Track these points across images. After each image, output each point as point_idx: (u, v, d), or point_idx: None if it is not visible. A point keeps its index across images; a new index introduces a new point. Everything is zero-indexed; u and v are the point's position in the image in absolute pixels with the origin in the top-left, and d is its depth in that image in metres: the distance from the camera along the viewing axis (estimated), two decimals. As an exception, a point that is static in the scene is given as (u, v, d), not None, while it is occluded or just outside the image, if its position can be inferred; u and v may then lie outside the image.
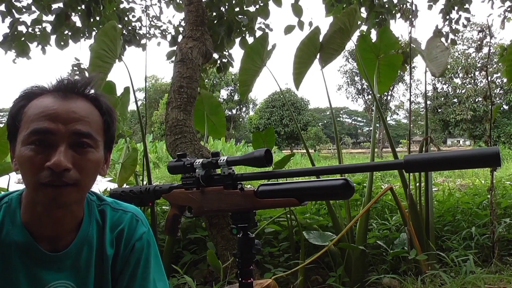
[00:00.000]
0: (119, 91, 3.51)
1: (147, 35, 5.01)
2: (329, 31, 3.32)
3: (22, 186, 0.89)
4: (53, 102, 0.79)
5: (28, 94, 0.82)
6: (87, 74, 4.31)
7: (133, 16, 4.96)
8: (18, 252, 0.81)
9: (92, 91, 0.84)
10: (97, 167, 0.83)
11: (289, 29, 4.31)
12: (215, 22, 4.16)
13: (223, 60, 4.65)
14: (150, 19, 5.17)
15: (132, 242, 0.92)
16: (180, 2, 4.74)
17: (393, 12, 4.49)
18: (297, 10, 4.35)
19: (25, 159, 0.75)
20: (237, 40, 4.45)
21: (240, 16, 4.21)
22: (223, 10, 4.27)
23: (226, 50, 4.54)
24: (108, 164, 0.89)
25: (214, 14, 4.19)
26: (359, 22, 3.52)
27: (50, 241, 0.84)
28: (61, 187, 0.75)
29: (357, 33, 3.85)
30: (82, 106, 0.81)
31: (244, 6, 4.31)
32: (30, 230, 0.82)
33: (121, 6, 4.77)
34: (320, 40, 3.34)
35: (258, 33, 4.38)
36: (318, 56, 3.38)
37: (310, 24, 4.34)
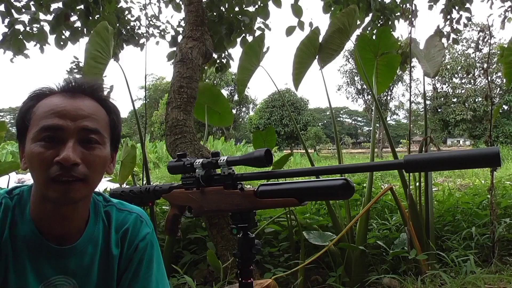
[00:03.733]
0: (119, 90, 3.51)
1: (146, 34, 5.01)
2: (328, 31, 3.32)
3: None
4: (62, 100, 0.82)
5: (37, 94, 0.84)
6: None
7: (132, 16, 4.96)
8: (25, 245, 0.83)
9: (99, 91, 0.88)
10: (104, 163, 0.85)
11: (290, 31, 4.30)
12: (215, 22, 4.16)
13: (222, 60, 4.65)
14: (149, 19, 5.17)
15: (136, 242, 0.93)
16: (180, 2, 4.74)
17: (397, 13, 4.48)
18: (297, 10, 4.35)
19: (35, 155, 0.77)
20: (238, 40, 4.44)
21: (240, 16, 4.21)
22: (223, 10, 4.27)
23: (226, 50, 4.54)
24: (114, 163, 0.92)
25: (214, 14, 4.19)
26: (358, 22, 3.52)
27: (58, 238, 0.85)
28: (70, 183, 0.77)
29: (356, 33, 3.86)
30: (89, 104, 0.84)
31: (244, 6, 4.31)
32: (38, 226, 0.84)
33: (119, 5, 4.76)
34: (320, 41, 3.34)
35: (258, 33, 4.38)
36: (317, 57, 3.38)
37: (311, 24, 4.33)
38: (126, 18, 4.84)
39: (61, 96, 0.83)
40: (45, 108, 0.80)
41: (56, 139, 0.78)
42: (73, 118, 0.79)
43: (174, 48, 4.39)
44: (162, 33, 5.19)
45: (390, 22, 4.50)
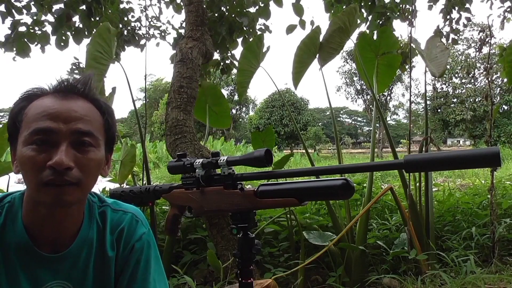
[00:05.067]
0: (119, 91, 3.51)
1: (146, 35, 5.01)
2: (328, 30, 3.32)
3: (21, 186, 0.89)
4: (54, 102, 0.79)
5: (29, 95, 0.82)
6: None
7: (132, 17, 4.96)
8: (17, 252, 0.82)
9: (92, 91, 0.85)
10: (99, 166, 0.83)
11: (291, 29, 4.30)
12: (216, 22, 4.16)
13: (226, 61, 4.63)
14: (150, 20, 5.17)
15: (131, 243, 0.92)
16: (180, 2, 4.74)
17: (397, 12, 4.48)
18: (298, 9, 4.35)
19: (27, 159, 0.75)
20: (239, 41, 4.44)
21: (239, 18, 4.20)
22: (224, 10, 4.26)
23: (229, 51, 4.53)
24: (109, 165, 0.89)
25: (216, 15, 4.18)
26: (358, 22, 3.52)
27: (51, 243, 0.84)
28: (63, 186, 0.75)
29: (356, 32, 3.85)
30: (82, 106, 0.81)
31: (244, 7, 4.30)
32: (31, 231, 0.83)
33: (121, 6, 4.76)
34: (320, 40, 3.34)
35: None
36: (317, 56, 3.39)
37: (312, 23, 4.34)
38: (126, 19, 4.83)
39: (53, 97, 0.80)
40: (36, 110, 0.78)
41: (48, 142, 0.75)
42: (65, 120, 0.77)
43: (178, 50, 4.38)
44: (163, 34, 5.19)
45: (390, 21, 4.50)
